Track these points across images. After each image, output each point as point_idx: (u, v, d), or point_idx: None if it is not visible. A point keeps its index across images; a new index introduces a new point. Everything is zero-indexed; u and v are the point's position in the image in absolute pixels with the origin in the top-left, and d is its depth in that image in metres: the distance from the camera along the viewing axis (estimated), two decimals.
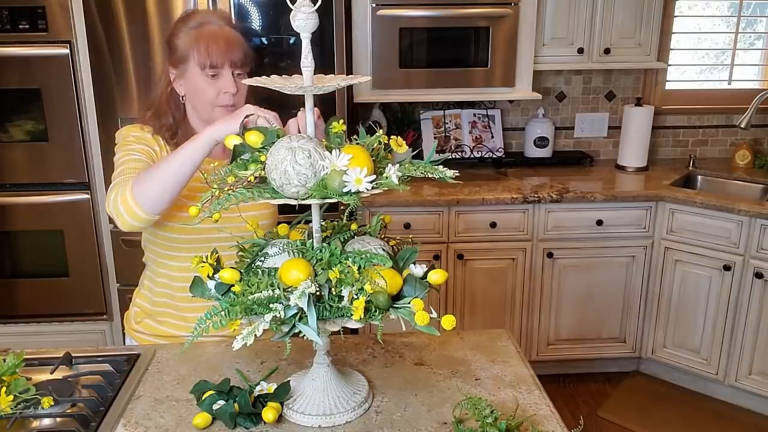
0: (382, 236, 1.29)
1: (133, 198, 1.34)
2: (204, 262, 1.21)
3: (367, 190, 1.10)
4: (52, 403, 1.25)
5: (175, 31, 1.55)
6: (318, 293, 1.11)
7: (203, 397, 1.26)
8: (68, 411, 1.27)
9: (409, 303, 1.12)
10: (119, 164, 1.50)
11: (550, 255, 3.00)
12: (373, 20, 2.87)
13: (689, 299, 2.99)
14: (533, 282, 3.04)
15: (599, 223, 2.98)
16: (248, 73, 1.56)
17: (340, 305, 1.12)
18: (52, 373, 1.38)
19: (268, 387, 1.28)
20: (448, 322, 1.09)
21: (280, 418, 1.24)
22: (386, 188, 1.13)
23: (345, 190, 1.09)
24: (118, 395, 1.33)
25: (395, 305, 1.13)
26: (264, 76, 1.20)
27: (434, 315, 1.10)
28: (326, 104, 2.50)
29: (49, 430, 1.24)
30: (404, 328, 1.14)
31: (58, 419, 1.25)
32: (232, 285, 1.16)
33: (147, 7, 2.59)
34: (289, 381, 1.30)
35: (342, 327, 1.13)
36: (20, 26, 2.61)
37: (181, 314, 1.60)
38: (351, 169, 1.09)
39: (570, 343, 3.16)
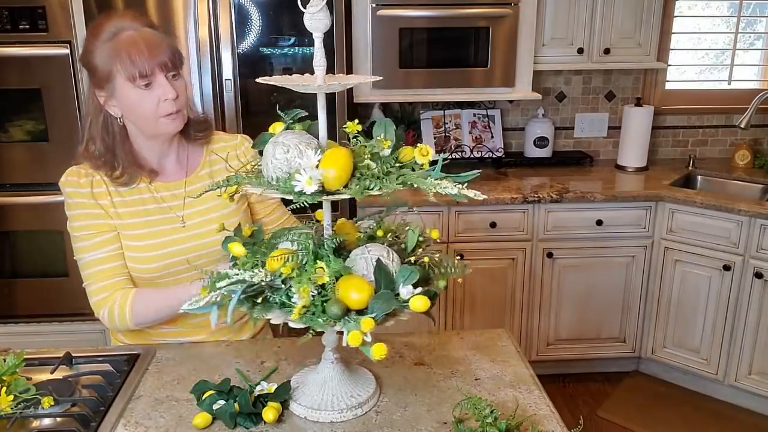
0: (419, 251, 1.25)
1: (132, 324, 1.48)
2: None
3: (311, 193, 1.07)
4: (52, 403, 1.25)
5: (88, 49, 1.40)
6: (267, 283, 1.12)
7: (203, 397, 1.26)
8: (68, 411, 1.27)
9: (359, 319, 1.08)
10: (81, 260, 1.49)
11: (550, 255, 3.00)
12: (373, 20, 2.87)
13: (689, 299, 2.99)
14: (533, 282, 3.04)
15: (599, 223, 2.98)
16: (181, 71, 1.45)
17: (291, 301, 1.12)
18: (52, 373, 1.38)
19: (268, 387, 1.28)
20: (378, 351, 1.07)
21: (280, 418, 1.24)
22: (340, 196, 1.11)
23: (295, 189, 1.09)
24: (118, 395, 1.33)
25: (351, 317, 1.10)
26: (276, 76, 1.20)
27: (368, 339, 1.07)
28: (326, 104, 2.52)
29: (49, 430, 1.24)
30: (345, 343, 1.10)
31: (58, 419, 1.25)
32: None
33: (147, 7, 2.59)
34: (289, 381, 1.31)
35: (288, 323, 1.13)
36: (20, 26, 2.61)
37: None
38: (313, 170, 1.08)
39: (570, 343, 3.16)
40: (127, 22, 1.40)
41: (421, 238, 1.27)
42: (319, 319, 1.09)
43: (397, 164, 1.16)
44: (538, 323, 3.10)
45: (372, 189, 1.10)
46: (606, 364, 3.26)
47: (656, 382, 3.23)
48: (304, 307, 1.09)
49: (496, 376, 1.40)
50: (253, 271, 1.12)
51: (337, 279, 1.12)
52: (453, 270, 1.20)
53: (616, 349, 3.19)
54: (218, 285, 1.10)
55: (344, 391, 1.28)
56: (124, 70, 1.36)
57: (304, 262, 1.13)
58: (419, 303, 1.11)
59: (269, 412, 1.22)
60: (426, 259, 1.21)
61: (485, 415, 1.15)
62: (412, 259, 1.23)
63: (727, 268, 2.85)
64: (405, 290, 1.13)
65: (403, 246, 1.26)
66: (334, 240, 1.18)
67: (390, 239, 1.27)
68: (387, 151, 1.16)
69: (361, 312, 1.11)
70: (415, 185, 1.12)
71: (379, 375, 1.39)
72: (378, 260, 1.14)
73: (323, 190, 1.10)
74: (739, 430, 2.90)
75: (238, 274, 1.11)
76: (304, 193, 1.07)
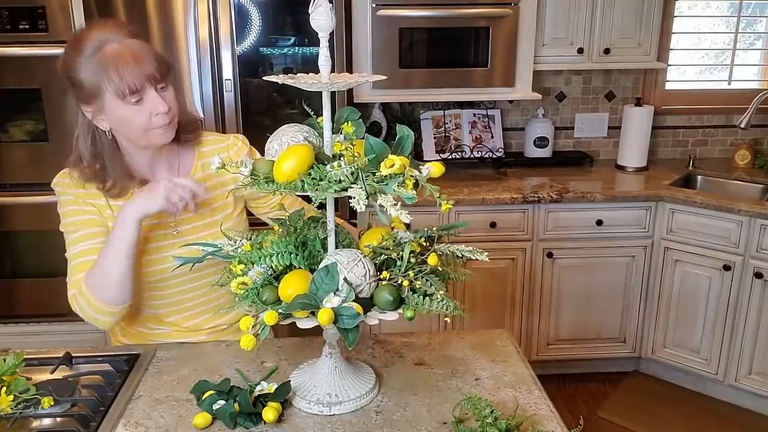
0: (411, 273, 1.20)
1: (96, 300, 1.37)
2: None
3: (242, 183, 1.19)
4: (52, 403, 1.25)
5: (71, 66, 1.36)
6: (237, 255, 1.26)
7: (203, 397, 1.26)
8: (68, 411, 1.27)
9: (268, 309, 1.13)
10: (68, 253, 1.45)
11: (550, 255, 3.00)
12: (373, 20, 2.87)
13: (689, 299, 2.99)
14: (533, 282, 3.04)
15: (599, 223, 2.98)
16: (170, 80, 1.41)
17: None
18: (52, 373, 1.38)
19: (268, 387, 1.28)
20: (244, 341, 1.10)
21: (280, 418, 1.24)
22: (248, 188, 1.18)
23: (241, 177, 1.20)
24: (118, 395, 1.33)
25: (275, 306, 1.15)
26: (281, 75, 1.20)
27: (251, 331, 1.11)
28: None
29: (49, 430, 1.24)
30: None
31: (58, 419, 1.25)
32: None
33: (147, 7, 2.59)
34: (289, 381, 1.31)
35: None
36: (20, 26, 2.61)
37: (164, 318, 1.60)
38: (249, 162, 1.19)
39: (570, 343, 3.16)
40: (110, 34, 1.35)
41: (460, 254, 1.25)
42: (248, 299, 1.17)
43: (380, 173, 1.12)
44: (538, 323, 3.10)
45: (305, 189, 1.12)
46: (606, 364, 3.26)
47: (656, 382, 3.23)
48: (244, 283, 1.17)
49: (496, 376, 1.40)
50: (232, 242, 1.23)
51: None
52: (440, 306, 1.15)
53: (616, 349, 3.19)
54: (200, 248, 1.27)
55: (345, 384, 1.29)
56: (113, 86, 1.32)
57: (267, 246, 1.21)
58: (324, 317, 1.10)
59: (269, 412, 1.22)
60: (405, 283, 1.17)
61: (485, 415, 1.15)
62: (399, 278, 1.18)
63: (727, 268, 2.85)
64: (327, 301, 1.13)
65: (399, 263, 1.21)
66: (298, 233, 1.23)
67: (387, 253, 1.23)
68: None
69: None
70: (351, 194, 1.10)
71: (379, 375, 1.39)
72: (329, 265, 1.15)
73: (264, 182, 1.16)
74: (739, 430, 2.90)
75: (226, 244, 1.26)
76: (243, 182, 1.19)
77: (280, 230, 1.26)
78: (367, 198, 1.09)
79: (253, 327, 1.11)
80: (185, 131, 1.53)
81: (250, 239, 1.26)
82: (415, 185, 1.13)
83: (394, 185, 1.10)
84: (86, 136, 1.42)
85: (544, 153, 3.39)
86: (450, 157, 3.31)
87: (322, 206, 1.20)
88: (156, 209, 1.34)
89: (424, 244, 1.25)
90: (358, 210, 1.07)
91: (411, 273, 1.19)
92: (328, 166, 1.12)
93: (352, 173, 1.11)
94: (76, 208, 1.46)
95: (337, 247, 1.25)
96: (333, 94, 1.22)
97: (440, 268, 1.21)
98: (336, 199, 1.23)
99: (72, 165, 1.45)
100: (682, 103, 3.51)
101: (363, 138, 1.17)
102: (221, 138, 1.62)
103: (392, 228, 1.29)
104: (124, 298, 1.40)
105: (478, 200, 2.89)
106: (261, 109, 2.78)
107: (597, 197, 2.93)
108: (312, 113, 1.30)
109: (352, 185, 1.10)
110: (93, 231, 1.46)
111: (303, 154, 1.13)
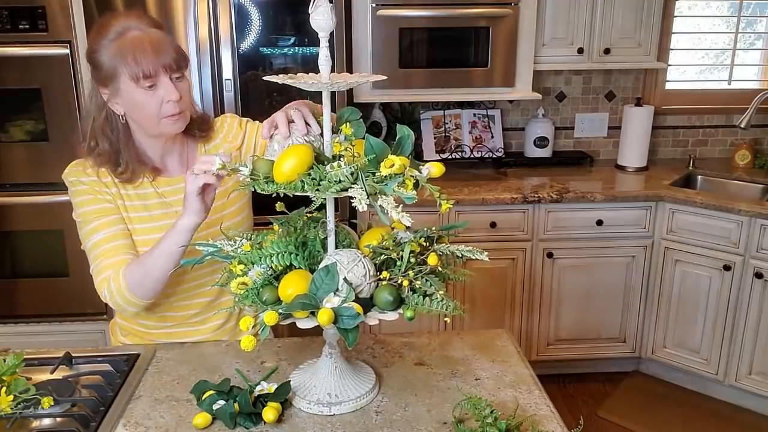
0: (411, 273, 1.21)
1: (131, 294, 1.43)
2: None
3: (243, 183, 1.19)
4: (52, 403, 1.25)
5: (94, 48, 1.41)
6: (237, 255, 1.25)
7: (203, 397, 1.27)
8: (68, 411, 1.27)
9: (268, 309, 1.13)
10: (89, 242, 1.46)
11: (550, 255, 3.00)
12: (373, 20, 2.87)
13: (689, 299, 2.99)
14: (533, 282, 3.04)
15: (599, 223, 2.98)
16: (185, 73, 1.45)
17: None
18: (52, 373, 1.38)
19: (268, 387, 1.28)
20: (245, 342, 1.11)
21: (280, 418, 1.24)
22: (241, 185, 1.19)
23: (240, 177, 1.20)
24: (118, 395, 1.33)
25: (276, 306, 1.15)
26: (282, 75, 1.21)
27: (251, 330, 1.11)
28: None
29: (49, 430, 1.24)
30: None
31: (58, 419, 1.25)
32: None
33: (147, 6, 2.59)
34: (289, 381, 1.31)
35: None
36: (20, 26, 2.61)
37: (164, 314, 1.60)
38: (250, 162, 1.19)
39: (570, 343, 3.16)
40: (133, 22, 1.40)
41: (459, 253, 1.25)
42: (248, 299, 1.17)
43: (380, 173, 1.12)
44: (538, 323, 3.10)
45: (305, 189, 1.12)
46: (606, 364, 3.26)
47: (656, 382, 3.23)
48: (244, 283, 1.17)
49: (496, 376, 1.40)
50: (232, 242, 1.23)
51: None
52: (440, 307, 1.16)
53: (616, 349, 3.19)
54: (201, 248, 1.26)
55: (345, 384, 1.29)
56: (129, 70, 1.36)
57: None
58: (324, 317, 1.10)
59: (269, 412, 1.22)
60: (405, 283, 1.17)
61: (485, 415, 1.15)
62: (399, 278, 1.18)
63: (727, 268, 2.85)
64: (327, 301, 1.13)
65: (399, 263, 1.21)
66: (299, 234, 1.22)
67: (387, 253, 1.23)
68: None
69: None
70: (352, 194, 1.10)
71: (379, 375, 1.39)
72: (330, 265, 1.15)
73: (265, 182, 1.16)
74: (739, 430, 2.90)
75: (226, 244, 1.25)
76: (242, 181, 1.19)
77: (280, 230, 1.26)
78: (368, 198, 1.09)
79: (253, 327, 1.11)
80: (199, 128, 1.57)
81: (250, 239, 1.26)
82: (415, 185, 1.13)
83: (394, 185, 1.10)
84: (99, 118, 1.46)
85: (544, 153, 3.39)
86: (450, 157, 3.31)
87: (322, 206, 1.20)
88: (202, 218, 1.37)
89: (424, 244, 1.25)
90: (360, 210, 1.07)
91: (411, 273, 1.19)
92: (328, 167, 1.12)
93: (351, 173, 1.11)
94: (91, 197, 1.48)
95: (337, 247, 1.25)
96: (333, 94, 1.22)
97: (440, 269, 1.21)
98: (336, 199, 1.23)
99: (87, 152, 1.48)
100: (682, 103, 3.51)
101: (363, 138, 1.17)
102: (215, 122, 1.63)
103: (392, 228, 1.29)
104: (155, 295, 1.46)
105: (478, 200, 2.89)
106: (261, 109, 2.78)
107: (597, 197, 2.93)
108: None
109: (352, 185, 1.10)
110: (111, 219, 1.48)
111: (303, 155, 1.13)
